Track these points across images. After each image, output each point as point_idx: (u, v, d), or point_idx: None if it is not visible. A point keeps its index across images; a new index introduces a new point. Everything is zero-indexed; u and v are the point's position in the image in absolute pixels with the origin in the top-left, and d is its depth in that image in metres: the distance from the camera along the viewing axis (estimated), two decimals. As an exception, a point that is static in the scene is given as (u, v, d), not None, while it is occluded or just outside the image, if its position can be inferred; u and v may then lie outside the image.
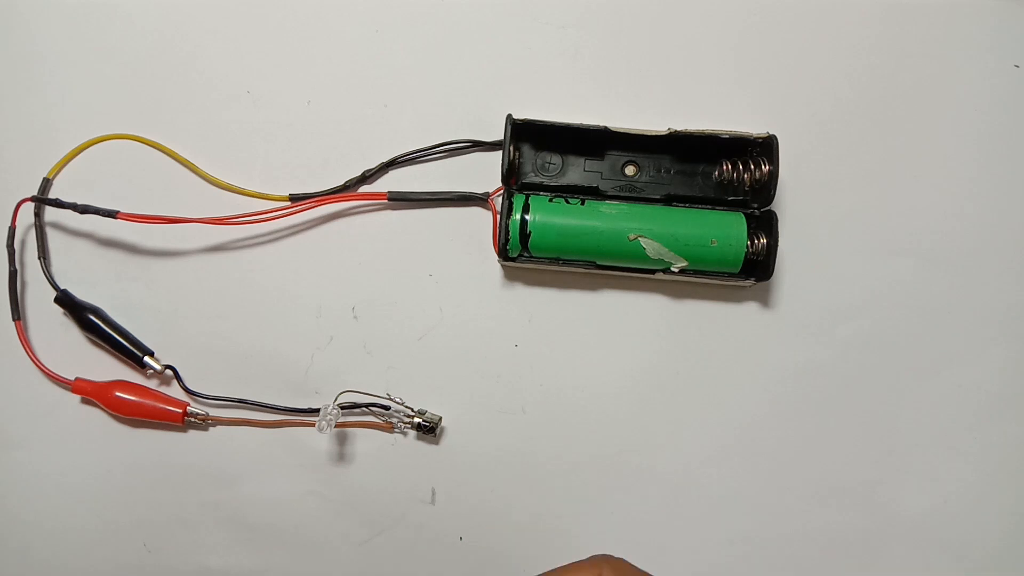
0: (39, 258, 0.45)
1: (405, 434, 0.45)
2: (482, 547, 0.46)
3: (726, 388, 0.46)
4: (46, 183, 0.46)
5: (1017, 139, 0.47)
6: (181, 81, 0.47)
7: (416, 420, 0.44)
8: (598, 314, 0.46)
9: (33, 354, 0.45)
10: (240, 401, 0.45)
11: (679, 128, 0.43)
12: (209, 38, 0.47)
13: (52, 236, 0.46)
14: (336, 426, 0.43)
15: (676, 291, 0.46)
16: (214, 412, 0.46)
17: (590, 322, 0.46)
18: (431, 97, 0.47)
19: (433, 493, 0.46)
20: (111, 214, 0.43)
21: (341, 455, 0.46)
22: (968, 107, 0.47)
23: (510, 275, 0.46)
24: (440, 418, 0.45)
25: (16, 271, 0.45)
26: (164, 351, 0.46)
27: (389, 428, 0.45)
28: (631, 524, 0.46)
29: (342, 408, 0.44)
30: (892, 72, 0.47)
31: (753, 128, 0.43)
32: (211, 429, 0.46)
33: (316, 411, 0.43)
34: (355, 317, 0.46)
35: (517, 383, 0.46)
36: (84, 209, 0.43)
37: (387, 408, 0.45)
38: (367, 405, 0.45)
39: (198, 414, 0.45)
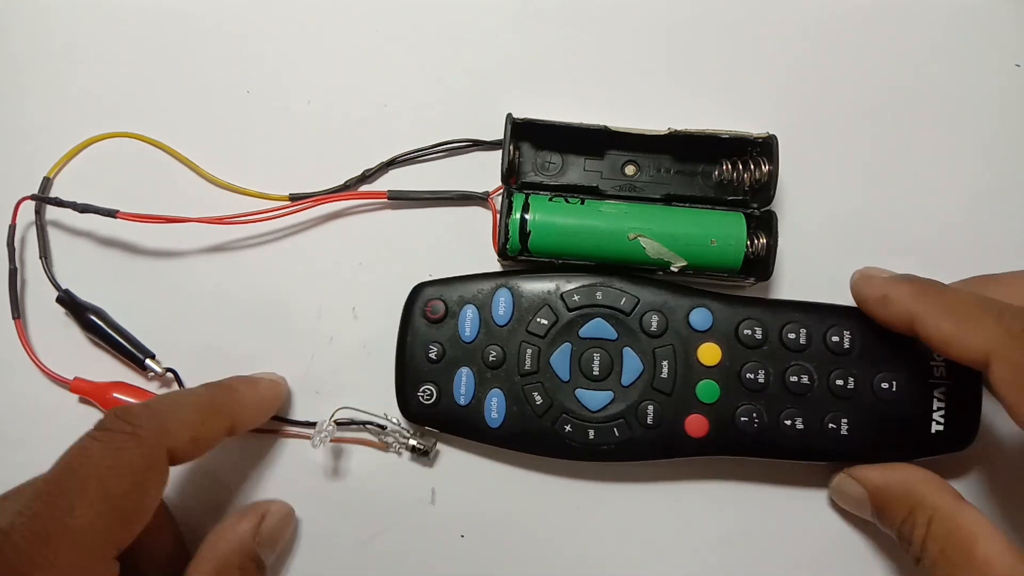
0: (40, 257, 0.45)
1: (400, 454, 0.45)
2: (483, 546, 0.45)
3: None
4: (46, 182, 0.46)
5: (1018, 139, 0.47)
6: (181, 81, 0.47)
7: (411, 443, 0.44)
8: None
9: (33, 353, 0.45)
10: None
11: (679, 128, 0.43)
12: (209, 38, 0.47)
13: (53, 235, 0.46)
14: (331, 441, 0.43)
15: (676, 291, 0.46)
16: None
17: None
18: (431, 97, 0.47)
19: (433, 493, 0.46)
20: (111, 213, 0.43)
21: (336, 469, 0.45)
22: (968, 107, 0.47)
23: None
24: (435, 442, 0.45)
25: (16, 269, 0.45)
26: (164, 352, 0.46)
27: (384, 448, 0.44)
28: (631, 523, 0.46)
29: (338, 424, 0.44)
30: (892, 72, 0.47)
31: (753, 128, 0.43)
32: None
33: (312, 424, 0.43)
34: (355, 317, 0.46)
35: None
36: (84, 208, 0.43)
37: (383, 428, 0.44)
38: (363, 423, 0.44)
39: None
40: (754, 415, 0.41)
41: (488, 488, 0.46)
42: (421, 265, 0.46)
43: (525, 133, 0.44)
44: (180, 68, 0.47)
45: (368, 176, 0.46)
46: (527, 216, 0.42)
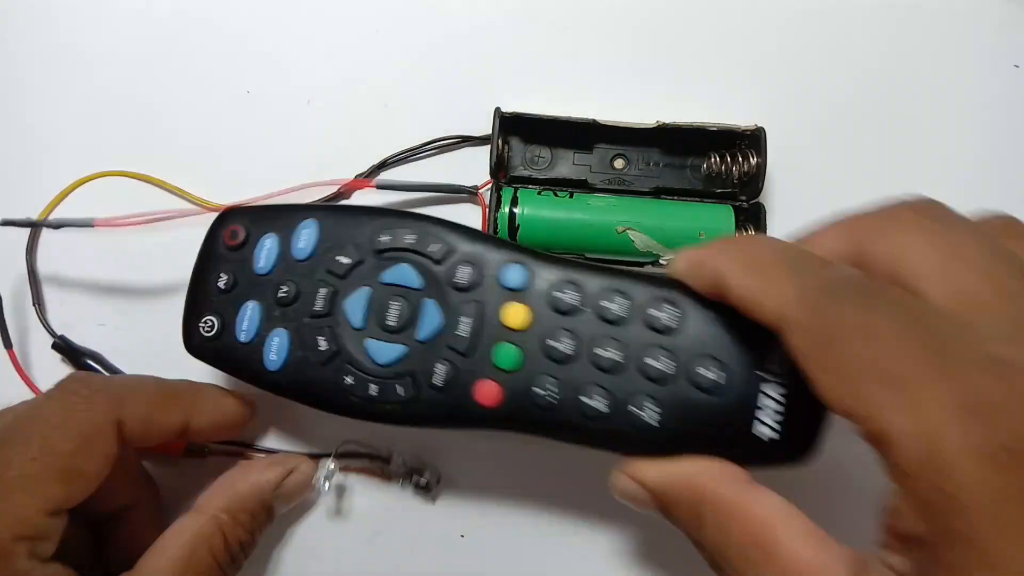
0: (34, 304, 0.45)
1: (402, 486, 0.45)
2: (483, 546, 0.45)
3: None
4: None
5: (1017, 139, 0.47)
6: (180, 81, 0.48)
7: (414, 478, 0.44)
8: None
9: (32, 384, 0.44)
10: (242, 445, 0.45)
11: (667, 121, 0.44)
12: (209, 37, 0.48)
13: (45, 269, 0.47)
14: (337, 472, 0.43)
15: (665, 283, 0.45)
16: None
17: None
18: (432, 96, 0.48)
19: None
20: (87, 223, 0.43)
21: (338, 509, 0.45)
22: (967, 107, 0.47)
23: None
24: (439, 476, 0.44)
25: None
26: (167, 368, 0.44)
27: (387, 478, 0.44)
28: (631, 521, 0.45)
29: (340, 458, 0.43)
30: (890, 71, 0.47)
31: (743, 121, 0.43)
32: (209, 457, 0.45)
33: (315, 456, 0.43)
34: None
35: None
36: (59, 224, 0.43)
37: (388, 461, 0.44)
38: (367, 455, 0.44)
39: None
40: (554, 388, 0.36)
41: (488, 488, 0.45)
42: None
43: (514, 127, 0.45)
44: (179, 68, 0.48)
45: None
46: (516, 210, 0.43)
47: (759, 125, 0.43)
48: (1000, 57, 0.48)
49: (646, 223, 0.42)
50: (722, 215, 0.43)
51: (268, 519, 0.41)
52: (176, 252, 0.44)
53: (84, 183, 0.45)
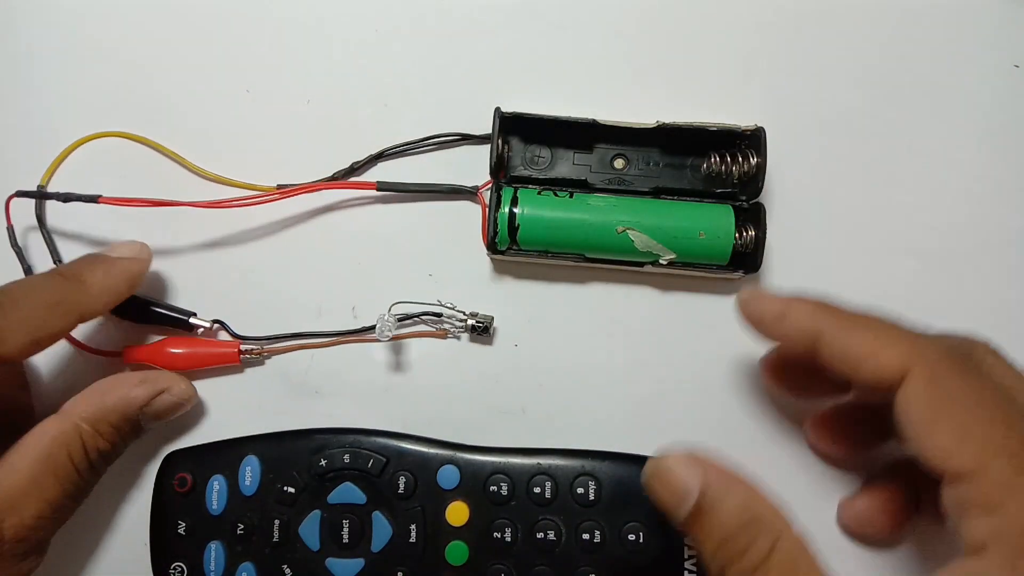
0: (55, 262, 0.46)
1: (459, 338, 0.46)
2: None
3: (716, 383, 0.45)
4: (41, 189, 0.46)
5: (1017, 139, 0.47)
6: (180, 81, 0.48)
7: (469, 323, 0.45)
8: (589, 309, 0.46)
9: (73, 338, 0.44)
10: (292, 335, 0.46)
11: (667, 121, 0.43)
12: (209, 37, 0.48)
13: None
14: (393, 338, 0.44)
15: (665, 284, 0.46)
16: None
17: (582, 317, 0.46)
18: (432, 96, 0.48)
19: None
20: (92, 199, 0.43)
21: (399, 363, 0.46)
22: (967, 107, 0.47)
23: (500, 269, 0.46)
24: (492, 318, 0.45)
25: (31, 268, 0.46)
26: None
27: (443, 335, 0.45)
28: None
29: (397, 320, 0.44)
30: (890, 71, 0.47)
31: (744, 120, 0.43)
32: (267, 362, 0.46)
33: (371, 328, 0.44)
34: (355, 317, 0.46)
35: (516, 383, 0.46)
36: (66, 197, 0.44)
37: (439, 315, 0.45)
38: (420, 315, 0.45)
39: (253, 349, 0.45)
40: (505, 573, 0.40)
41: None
42: (416, 261, 0.46)
43: (514, 127, 0.45)
44: (179, 67, 0.48)
45: (356, 168, 0.46)
46: (516, 210, 0.43)
47: (759, 125, 0.43)
48: (1000, 57, 0.48)
49: (646, 223, 0.42)
50: (722, 215, 0.43)
51: (134, 434, 0.42)
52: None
53: (81, 144, 0.45)
